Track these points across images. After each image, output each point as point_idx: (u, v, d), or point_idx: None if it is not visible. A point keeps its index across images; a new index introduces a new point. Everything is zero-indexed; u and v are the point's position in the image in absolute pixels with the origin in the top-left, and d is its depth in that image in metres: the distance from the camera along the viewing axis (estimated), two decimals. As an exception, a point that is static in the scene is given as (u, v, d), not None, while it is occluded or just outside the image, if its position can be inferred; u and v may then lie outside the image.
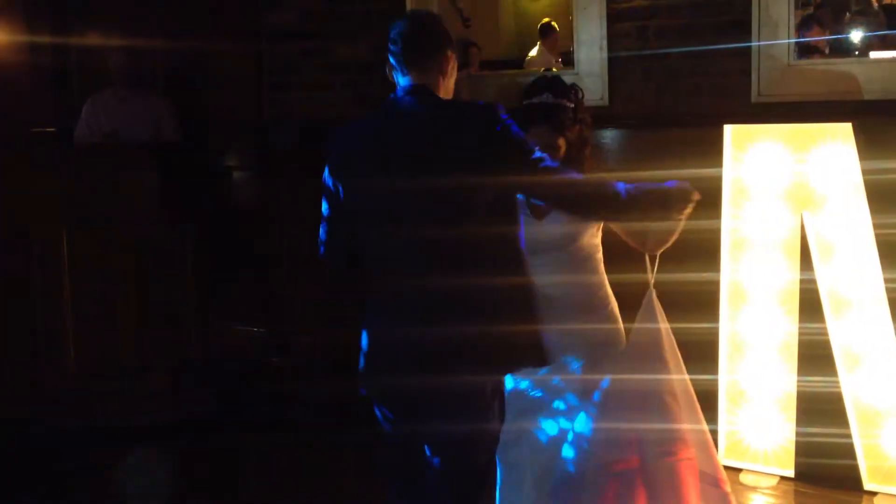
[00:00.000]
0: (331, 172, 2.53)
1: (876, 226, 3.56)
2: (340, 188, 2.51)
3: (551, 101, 2.74)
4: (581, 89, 2.88)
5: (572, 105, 2.77)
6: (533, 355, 2.53)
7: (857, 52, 5.93)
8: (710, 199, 3.83)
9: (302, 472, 4.10)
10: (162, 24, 5.27)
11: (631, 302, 3.24)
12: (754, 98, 4.06)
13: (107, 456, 4.30)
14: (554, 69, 6.96)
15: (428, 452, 2.54)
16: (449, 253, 2.40)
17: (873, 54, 5.88)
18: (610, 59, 4.37)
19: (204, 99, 5.38)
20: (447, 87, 2.56)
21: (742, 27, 4.06)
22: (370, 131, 2.52)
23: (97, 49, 5.01)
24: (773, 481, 3.81)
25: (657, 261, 2.71)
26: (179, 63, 5.30)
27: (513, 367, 2.64)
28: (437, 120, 2.45)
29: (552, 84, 2.78)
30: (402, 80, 2.52)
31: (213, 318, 5.31)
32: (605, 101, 4.39)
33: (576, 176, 2.46)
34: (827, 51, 5.60)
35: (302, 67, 5.21)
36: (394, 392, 2.53)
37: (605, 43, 4.37)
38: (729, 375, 3.90)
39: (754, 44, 4.01)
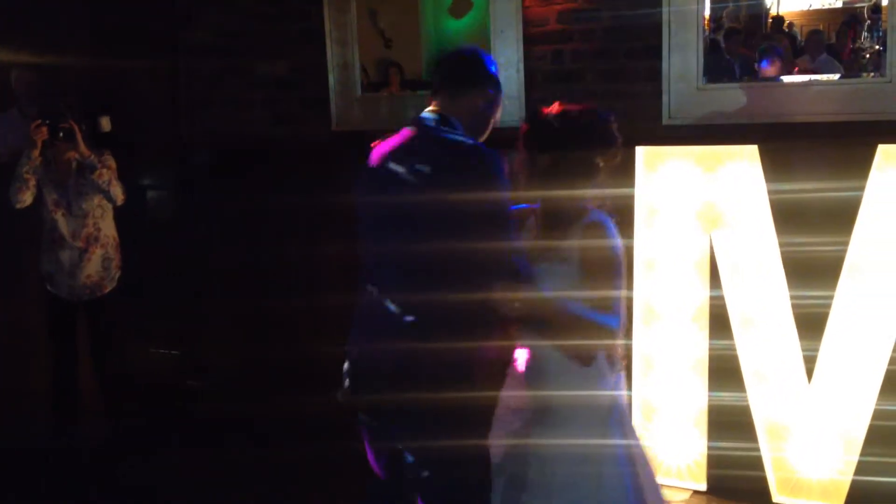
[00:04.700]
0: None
1: (781, 244, 3.67)
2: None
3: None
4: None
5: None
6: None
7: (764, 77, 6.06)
8: (623, 219, 3.94)
9: (226, 489, 4.05)
10: (74, 42, 5.14)
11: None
12: (665, 120, 4.16)
13: (14, 481, 4.17)
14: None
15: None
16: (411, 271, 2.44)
17: (784, 78, 6.05)
18: (527, 81, 4.44)
19: (119, 117, 5.27)
20: (475, 121, 2.61)
21: (653, 51, 4.16)
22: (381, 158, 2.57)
23: (1, 66, 4.86)
24: (686, 495, 3.89)
25: None
26: (93, 81, 5.18)
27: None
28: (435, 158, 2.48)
29: None
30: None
31: (128, 340, 5.19)
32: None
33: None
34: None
35: (220, 85, 5.16)
36: (369, 407, 2.55)
37: (521, 66, 4.44)
38: (641, 392, 3.96)
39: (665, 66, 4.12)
